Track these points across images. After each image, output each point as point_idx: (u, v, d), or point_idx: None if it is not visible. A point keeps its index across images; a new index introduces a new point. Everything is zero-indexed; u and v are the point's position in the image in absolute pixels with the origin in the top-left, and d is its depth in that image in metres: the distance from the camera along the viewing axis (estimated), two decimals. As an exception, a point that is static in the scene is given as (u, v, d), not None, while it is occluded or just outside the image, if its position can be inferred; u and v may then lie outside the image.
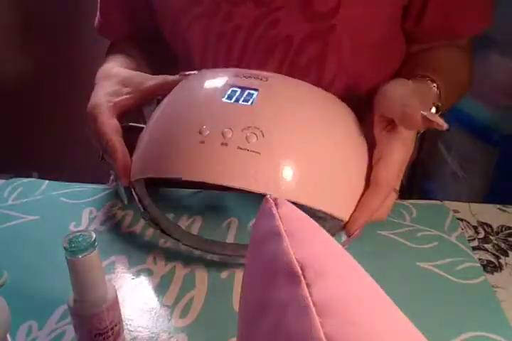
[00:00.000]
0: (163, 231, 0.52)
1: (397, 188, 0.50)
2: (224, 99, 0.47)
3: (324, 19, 0.58)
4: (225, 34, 0.61)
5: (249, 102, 0.46)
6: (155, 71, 0.73)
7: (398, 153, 0.48)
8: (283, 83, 0.50)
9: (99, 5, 0.72)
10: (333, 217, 0.47)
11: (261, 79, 0.49)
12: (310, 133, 0.47)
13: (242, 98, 0.47)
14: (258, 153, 0.44)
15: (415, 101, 0.46)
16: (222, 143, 0.45)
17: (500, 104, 1.14)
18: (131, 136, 0.54)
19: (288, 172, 0.45)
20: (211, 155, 0.45)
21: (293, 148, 0.46)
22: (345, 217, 0.47)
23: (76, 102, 0.61)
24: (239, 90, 0.48)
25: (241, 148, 0.44)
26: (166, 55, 0.70)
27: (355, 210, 0.48)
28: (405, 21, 0.63)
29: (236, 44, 0.61)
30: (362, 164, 0.50)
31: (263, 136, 0.45)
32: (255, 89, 0.47)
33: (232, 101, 0.47)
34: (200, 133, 0.46)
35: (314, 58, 0.60)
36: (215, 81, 0.51)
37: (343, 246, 0.48)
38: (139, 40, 0.74)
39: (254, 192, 0.44)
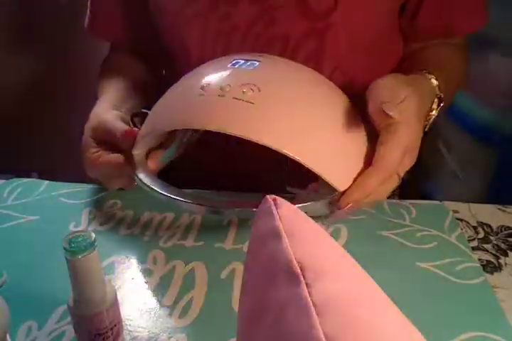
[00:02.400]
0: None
1: (401, 174, 0.49)
2: (228, 66, 0.50)
3: (321, 18, 0.58)
4: (222, 33, 0.61)
5: (252, 68, 0.50)
6: (153, 76, 0.73)
7: (402, 137, 0.47)
8: (284, 60, 0.54)
9: (89, 3, 0.71)
10: (321, 184, 0.47)
11: (263, 56, 0.52)
12: (307, 97, 0.49)
13: (245, 65, 0.50)
14: (252, 103, 0.46)
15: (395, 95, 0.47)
16: (219, 95, 0.47)
17: (501, 104, 1.14)
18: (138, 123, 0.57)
19: (281, 124, 0.46)
20: (206, 105, 0.47)
21: (289, 105, 0.47)
22: (335, 184, 0.47)
23: (76, 102, 0.61)
24: (242, 61, 0.51)
25: (236, 99, 0.46)
26: (163, 58, 0.70)
27: (350, 186, 0.47)
28: (401, 19, 0.63)
29: (233, 43, 0.61)
30: (358, 139, 0.50)
31: (259, 90, 0.47)
32: (258, 61, 0.51)
33: (236, 67, 0.50)
34: (202, 88, 0.48)
35: (311, 56, 0.60)
36: (222, 59, 0.54)
37: (329, 220, 0.48)
38: (135, 44, 0.74)
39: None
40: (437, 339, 0.42)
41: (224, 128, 0.45)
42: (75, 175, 0.59)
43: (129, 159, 0.53)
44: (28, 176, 0.66)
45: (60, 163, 1.15)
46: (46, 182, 0.64)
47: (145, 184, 0.51)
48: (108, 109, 0.60)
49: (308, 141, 0.46)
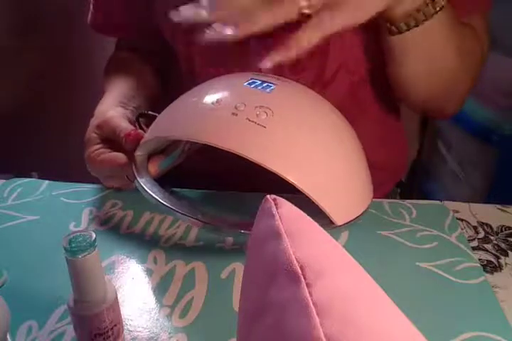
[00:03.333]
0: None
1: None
2: (244, 84, 0.50)
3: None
4: None
5: (267, 90, 0.50)
6: (158, 77, 0.73)
7: None
8: (299, 86, 0.54)
9: (92, 1, 0.71)
10: (317, 215, 0.47)
11: (280, 80, 0.52)
12: (318, 129, 0.49)
13: (261, 87, 0.50)
14: (264, 127, 0.46)
15: None
16: (232, 113, 0.47)
17: (501, 104, 1.14)
18: (146, 123, 0.57)
19: (288, 151, 0.46)
20: (219, 121, 0.47)
21: (300, 134, 0.47)
22: (333, 217, 0.47)
23: (76, 102, 0.61)
24: (259, 81, 0.51)
25: (249, 120, 0.46)
26: (166, 57, 0.70)
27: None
28: None
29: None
30: (362, 173, 0.51)
31: (273, 115, 0.47)
32: (274, 84, 0.51)
33: (252, 87, 0.50)
34: (215, 103, 0.48)
35: (315, 53, 0.60)
36: (239, 75, 0.54)
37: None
38: (138, 40, 0.74)
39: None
40: (437, 339, 0.42)
41: (232, 147, 0.45)
42: (75, 175, 0.59)
43: (132, 160, 0.53)
44: (28, 176, 0.66)
45: (60, 163, 1.15)
46: (46, 182, 0.64)
47: (145, 190, 0.51)
48: (113, 106, 0.60)
49: (313, 171, 0.47)
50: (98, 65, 0.75)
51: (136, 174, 0.52)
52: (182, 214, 0.48)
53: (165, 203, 0.49)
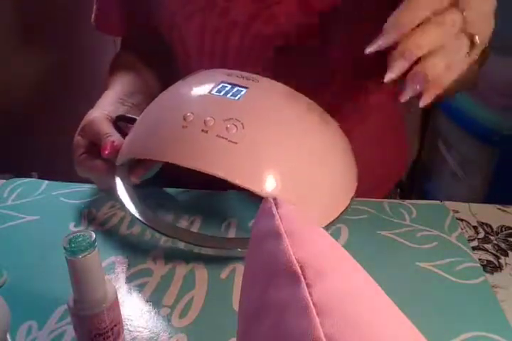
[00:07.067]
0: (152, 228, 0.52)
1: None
2: (213, 92, 0.49)
3: (322, 15, 0.57)
4: (220, 30, 0.60)
5: (237, 97, 0.48)
6: (158, 79, 0.73)
7: None
8: (272, 86, 0.52)
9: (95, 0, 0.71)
10: None
11: (252, 80, 0.51)
12: (289, 134, 0.48)
13: (231, 93, 0.49)
14: (235, 143, 0.45)
15: None
16: (202, 130, 0.46)
17: (501, 104, 1.14)
18: (123, 126, 0.57)
19: (262, 165, 0.46)
20: (190, 140, 0.46)
21: (270, 144, 0.47)
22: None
23: (76, 101, 0.61)
24: (229, 86, 0.49)
25: (220, 136, 0.46)
26: (167, 58, 0.70)
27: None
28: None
29: (232, 40, 0.61)
30: (336, 174, 0.51)
31: (243, 128, 0.46)
32: (245, 87, 0.49)
33: (221, 94, 0.49)
34: (184, 119, 0.47)
35: (314, 54, 0.60)
36: (209, 78, 0.53)
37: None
38: (140, 42, 0.74)
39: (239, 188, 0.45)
40: (437, 339, 0.42)
41: (205, 169, 0.45)
42: (75, 175, 0.59)
43: (112, 169, 0.54)
44: (28, 176, 0.66)
45: (60, 163, 1.15)
46: (46, 182, 0.64)
47: (123, 204, 0.52)
48: (109, 104, 0.60)
49: (289, 183, 0.46)
50: (99, 65, 0.75)
51: (117, 187, 0.53)
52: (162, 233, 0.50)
53: (143, 220, 0.51)
